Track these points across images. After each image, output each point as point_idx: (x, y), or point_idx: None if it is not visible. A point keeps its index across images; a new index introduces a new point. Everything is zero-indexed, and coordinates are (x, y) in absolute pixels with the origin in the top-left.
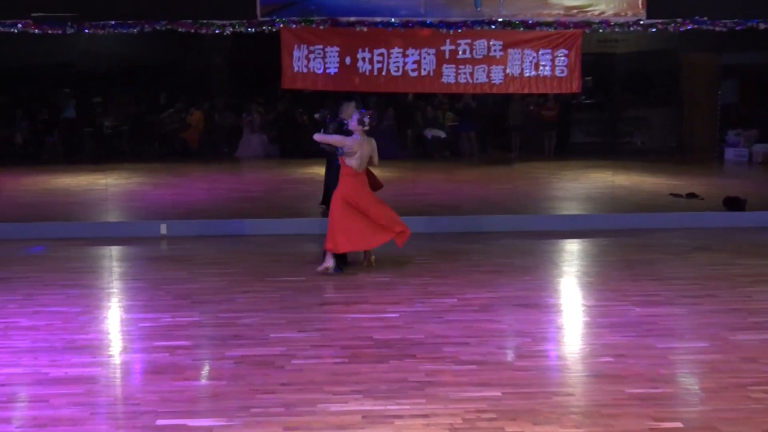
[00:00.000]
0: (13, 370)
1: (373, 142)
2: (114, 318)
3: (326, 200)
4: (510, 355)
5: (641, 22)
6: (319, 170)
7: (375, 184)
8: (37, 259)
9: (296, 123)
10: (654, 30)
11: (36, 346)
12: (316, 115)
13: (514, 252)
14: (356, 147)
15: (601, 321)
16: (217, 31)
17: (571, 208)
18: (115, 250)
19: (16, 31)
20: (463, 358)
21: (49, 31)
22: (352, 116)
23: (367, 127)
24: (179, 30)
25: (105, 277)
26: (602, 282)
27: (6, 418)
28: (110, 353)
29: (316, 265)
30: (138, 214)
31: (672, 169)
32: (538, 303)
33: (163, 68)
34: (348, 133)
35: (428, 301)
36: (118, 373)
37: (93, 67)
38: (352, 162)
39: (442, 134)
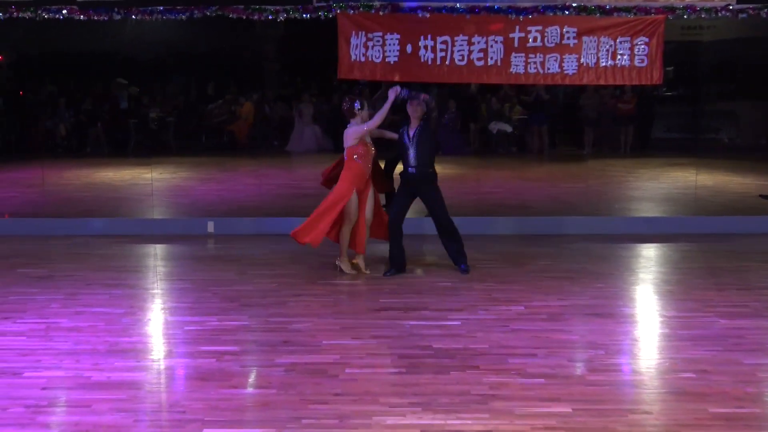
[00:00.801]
0: (55, 373)
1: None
2: (158, 320)
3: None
4: (581, 369)
5: (730, 7)
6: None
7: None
8: (80, 257)
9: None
10: (744, 16)
11: (78, 348)
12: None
13: (587, 257)
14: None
15: (682, 333)
16: (269, 18)
17: (649, 210)
18: (159, 249)
19: (60, 17)
20: (530, 370)
21: (95, 18)
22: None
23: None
24: (230, 16)
25: (149, 277)
26: (684, 291)
27: (47, 423)
28: (154, 357)
29: (370, 267)
30: (184, 211)
31: (762, 168)
32: (613, 312)
33: (212, 57)
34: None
35: (492, 309)
36: (162, 379)
37: (139, 56)
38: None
39: (509, 128)
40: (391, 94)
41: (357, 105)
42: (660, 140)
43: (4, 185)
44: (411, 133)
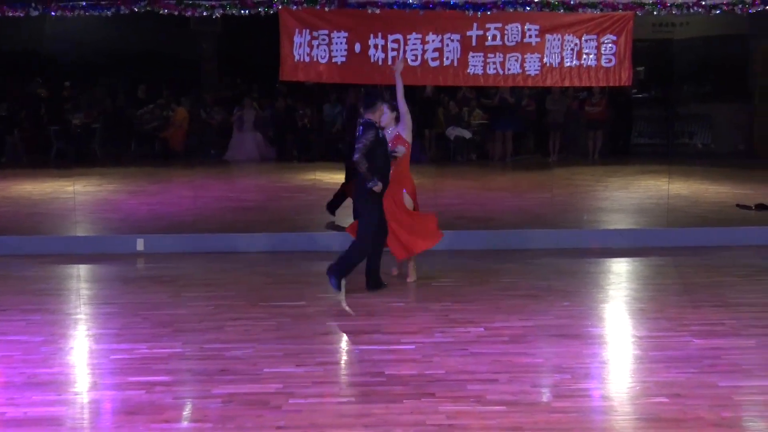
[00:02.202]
0: None
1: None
2: (82, 349)
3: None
4: (546, 395)
5: (703, 3)
6: (323, 176)
7: None
8: None
9: (296, 121)
10: (718, 12)
11: None
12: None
13: (553, 273)
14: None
15: (654, 355)
16: (204, 14)
17: (619, 222)
18: (83, 269)
19: None
20: (491, 397)
21: (10, 14)
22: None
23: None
24: (161, 12)
25: (72, 300)
26: (656, 309)
27: None
28: (77, 390)
29: (318, 288)
30: (111, 227)
31: (739, 175)
32: (580, 333)
33: (142, 57)
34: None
35: (450, 331)
36: (86, 414)
37: (60, 56)
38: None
39: (467, 134)
40: (399, 65)
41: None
42: (630, 146)
43: None
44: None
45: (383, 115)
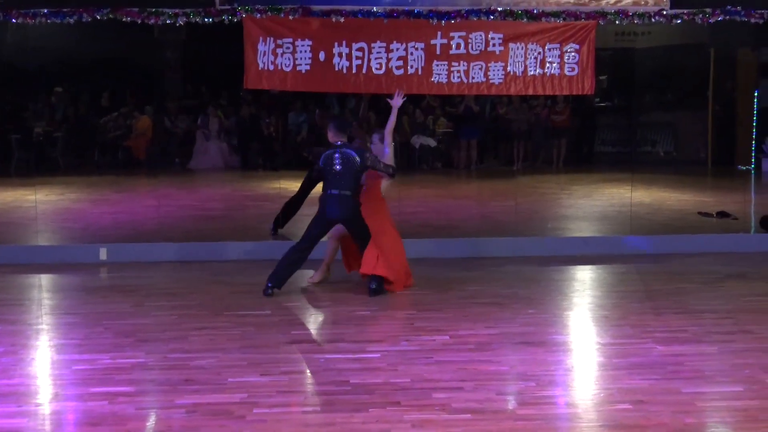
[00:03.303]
0: None
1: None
2: (43, 359)
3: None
4: (511, 402)
5: (665, 12)
6: (289, 185)
7: None
8: None
9: (261, 129)
10: (679, 21)
11: None
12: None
13: (517, 281)
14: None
15: (618, 362)
16: (168, 22)
17: (583, 229)
18: (45, 279)
19: None
20: (456, 405)
21: None
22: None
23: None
24: (124, 20)
25: (33, 310)
26: (620, 316)
27: None
28: (39, 401)
29: (283, 297)
30: (73, 236)
31: (700, 183)
32: (545, 340)
33: (104, 65)
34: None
35: (415, 339)
36: (48, 426)
37: (21, 63)
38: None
39: (432, 142)
40: (398, 100)
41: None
42: (594, 154)
43: None
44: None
45: (372, 145)
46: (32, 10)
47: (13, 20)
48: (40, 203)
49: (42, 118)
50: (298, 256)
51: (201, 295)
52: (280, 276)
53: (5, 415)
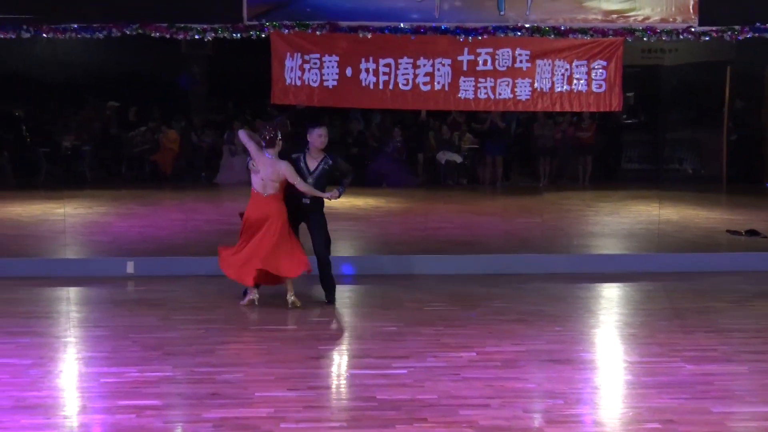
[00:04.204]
0: None
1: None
2: (71, 372)
3: None
4: (538, 420)
5: (692, 30)
6: None
7: None
8: None
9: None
10: (707, 39)
11: None
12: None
13: (543, 298)
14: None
15: (646, 380)
16: (196, 37)
17: (610, 247)
18: (73, 292)
19: None
20: (483, 423)
21: (1, 36)
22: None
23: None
24: (152, 35)
25: (61, 323)
26: (648, 334)
27: None
28: (67, 414)
29: (309, 312)
30: (101, 250)
31: (729, 201)
32: (572, 358)
33: (133, 80)
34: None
35: (442, 355)
36: None
37: (51, 78)
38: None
39: (458, 158)
40: (333, 195)
41: (279, 135)
42: (620, 171)
43: None
44: (312, 166)
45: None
46: (62, 26)
47: (44, 35)
48: (68, 216)
49: (70, 132)
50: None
51: (227, 309)
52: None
53: (34, 427)
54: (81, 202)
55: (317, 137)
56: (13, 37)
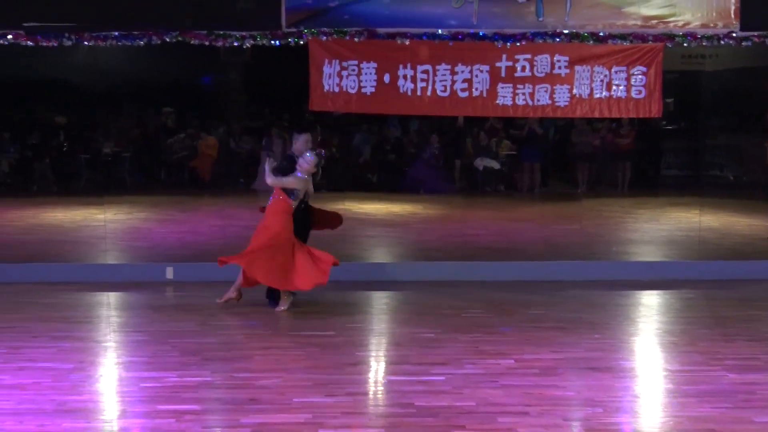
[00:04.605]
0: None
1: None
2: (111, 377)
3: None
4: (577, 428)
5: (734, 35)
6: (352, 206)
7: (329, 220)
8: (24, 306)
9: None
10: (749, 44)
11: (21, 408)
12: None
13: (582, 305)
14: (302, 186)
15: (687, 389)
16: (235, 44)
17: (649, 254)
18: (113, 297)
19: (5, 42)
20: (522, 430)
21: (43, 44)
22: (304, 153)
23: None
24: (192, 42)
25: (101, 328)
26: (688, 342)
27: None
28: (107, 418)
29: (346, 318)
30: (141, 255)
31: None
32: (611, 366)
33: (172, 86)
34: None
35: (480, 362)
36: None
37: (92, 85)
38: (291, 201)
39: (496, 165)
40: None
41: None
42: (660, 178)
43: None
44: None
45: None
46: (103, 33)
47: (85, 43)
48: (108, 222)
49: (111, 139)
50: None
51: (265, 315)
52: None
53: (75, 431)
54: (121, 208)
55: (303, 143)
56: (55, 45)
